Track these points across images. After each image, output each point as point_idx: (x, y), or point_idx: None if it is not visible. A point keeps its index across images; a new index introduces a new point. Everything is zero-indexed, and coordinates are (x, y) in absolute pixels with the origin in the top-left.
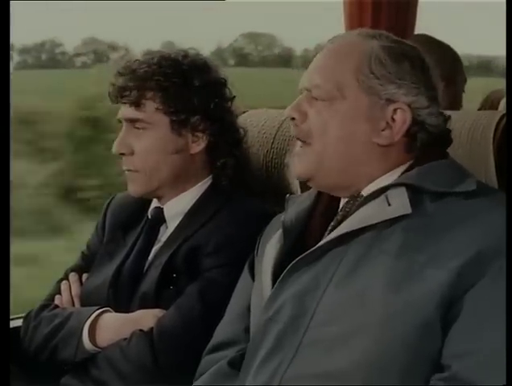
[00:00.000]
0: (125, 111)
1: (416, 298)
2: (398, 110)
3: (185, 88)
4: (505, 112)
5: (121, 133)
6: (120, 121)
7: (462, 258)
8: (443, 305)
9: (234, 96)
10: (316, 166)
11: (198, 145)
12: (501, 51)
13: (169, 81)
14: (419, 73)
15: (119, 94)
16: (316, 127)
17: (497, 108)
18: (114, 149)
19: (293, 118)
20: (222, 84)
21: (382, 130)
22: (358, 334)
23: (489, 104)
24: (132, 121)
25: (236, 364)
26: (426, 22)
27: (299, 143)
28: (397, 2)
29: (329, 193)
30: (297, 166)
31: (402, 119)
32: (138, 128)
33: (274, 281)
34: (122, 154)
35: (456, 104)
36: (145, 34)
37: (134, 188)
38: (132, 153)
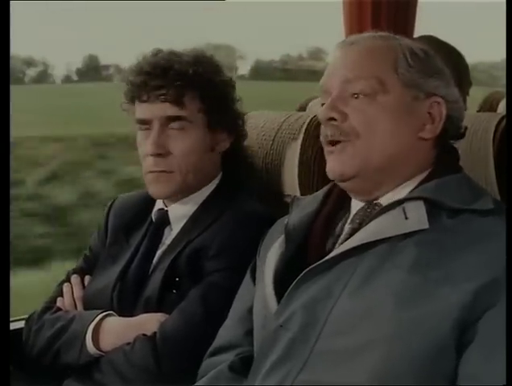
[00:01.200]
0: (162, 110)
1: (429, 317)
2: (435, 104)
3: (218, 86)
4: (504, 114)
5: (153, 132)
6: (142, 122)
7: (478, 281)
8: (457, 326)
9: (240, 99)
10: (363, 162)
11: (225, 144)
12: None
13: (206, 80)
14: (448, 67)
15: (152, 93)
16: (361, 124)
17: (496, 110)
18: (150, 149)
19: (332, 118)
20: (231, 83)
21: (424, 125)
22: (367, 348)
23: (488, 105)
24: (169, 120)
25: (236, 368)
26: (426, 22)
27: (335, 145)
28: (396, 2)
29: (354, 197)
30: (336, 165)
31: (439, 112)
32: (173, 128)
33: (275, 286)
34: (158, 155)
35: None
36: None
37: (163, 189)
38: (168, 154)
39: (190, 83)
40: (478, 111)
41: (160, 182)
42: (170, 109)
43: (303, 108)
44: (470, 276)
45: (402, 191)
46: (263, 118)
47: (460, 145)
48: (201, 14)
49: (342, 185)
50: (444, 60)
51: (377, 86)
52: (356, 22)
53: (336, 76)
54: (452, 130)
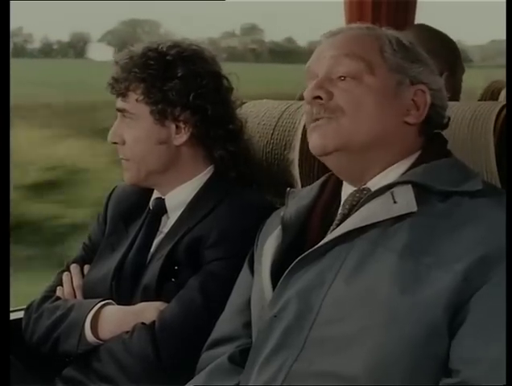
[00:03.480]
0: (117, 101)
1: (422, 301)
2: (419, 91)
3: (164, 79)
4: (505, 102)
5: (115, 123)
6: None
7: (468, 261)
8: (450, 308)
9: (231, 88)
10: (344, 138)
11: (181, 137)
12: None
13: (148, 72)
14: (429, 58)
15: (111, 85)
16: (348, 102)
17: (497, 99)
18: (109, 138)
19: (318, 97)
20: (213, 74)
21: (408, 110)
22: (362, 335)
23: (489, 94)
24: (121, 112)
25: (236, 360)
26: (425, 22)
27: (319, 120)
28: (396, 2)
29: (338, 175)
30: (318, 138)
31: (424, 100)
32: (126, 117)
33: (272, 278)
34: (115, 143)
35: (456, 94)
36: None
37: (127, 176)
38: (124, 143)
39: (131, 75)
40: (480, 100)
41: (124, 168)
42: (118, 102)
43: (303, 98)
44: (459, 257)
45: (389, 175)
46: (264, 107)
47: (460, 134)
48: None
49: (327, 162)
50: (438, 47)
51: (363, 67)
52: (356, 21)
53: (323, 59)
54: (436, 118)
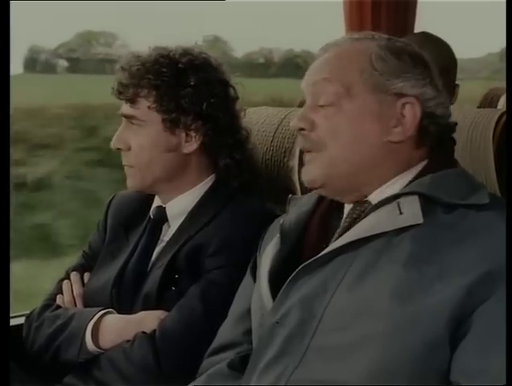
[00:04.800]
0: (123, 107)
1: (425, 313)
2: (407, 104)
3: (177, 87)
4: (504, 109)
5: (119, 128)
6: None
7: (472, 275)
8: (452, 321)
9: (237, 97)
10: (329, 171)
11: (191, 145)
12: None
13: (161, 80)
14: (420, 66)
15: (117, 90)
16: (327, 133)
17: (496, 106)
18: (112, 144)
19: (301, 129)
20: (222, 83)
21: (394, 127)
22: (363, 344)
23: (488, 101)
24: (129, 118)
25: (235, 366)
26: (425, 22)
27: (307, 153)
28: (396, 2)
29: (338, 200)
30: (308, 173)
31: (413, 113)
32: (133, 124)
33: (271, 285)
34: (120, 149)
35: (453, 98)
36: None
37: (130, 183)
38: (129, 149)
39: (143, 82)
40: (478, 107)
41: (128, 175)
42: (126, 108)
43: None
44: (464, 270)
45: (392, 187)
46: (264, 114)
47: (459, 142)
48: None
49: (321, 193)
50: (436, 54)
51: (342, 92)
52: (356, 22)
53: (307, 86)
54: (435, 127)
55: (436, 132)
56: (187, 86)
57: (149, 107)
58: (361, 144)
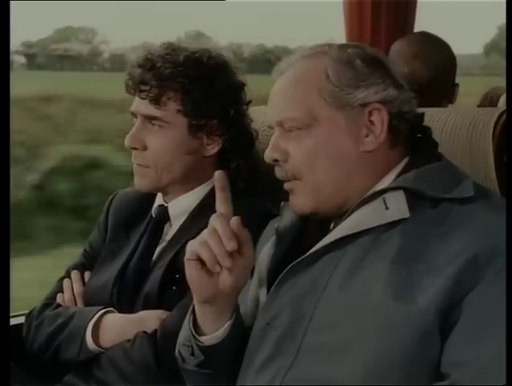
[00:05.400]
0: (143, 106)
1: (415, 307)
2: (374, 111)
3: (207, 91)
4: (504, 108)
5: (134, 126)
6: (133, 114)
7: (458, 264)
8: (441, 312)
9: (250, 101)
10: (315, 196)
11: (212, 149)
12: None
13: (193, 84)
14: (377, 68)
15: (137, 88)
16: (302, 160)
17: (496, 105)
18: (127, 142)
19: (275, 160)
20: (241, 87)
21: (366, 137)
22: (356, 340)
23: (488, 100)
24: (150, 119)
25: None
26: (425, 22)
27: (287, 182)
28: (396, 2)
29: (333, 216)
30: (297, 205)
31: (380, 118)
32: (153, 124)
33: (269, 287)
34: (135, 149)
35: (453, 97)
36: None
37: (142, 183)
38: (145, 149)
39: (173, 84)
40: (478, 106)
41: (138, 174)
42: (148, 107)
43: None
44: (450, 261)
45: (380, 186)
46: (263, 113)
47: (459, 141)
48: None
49: (313, 217)
50: (435, 54)
51: (308, 119)
52: (356, 22)
53: (272, 109)
54: (405, 124)
55: (407, 128)
56: (215, 90)
57: (177, 110)
58: (337, 162)
